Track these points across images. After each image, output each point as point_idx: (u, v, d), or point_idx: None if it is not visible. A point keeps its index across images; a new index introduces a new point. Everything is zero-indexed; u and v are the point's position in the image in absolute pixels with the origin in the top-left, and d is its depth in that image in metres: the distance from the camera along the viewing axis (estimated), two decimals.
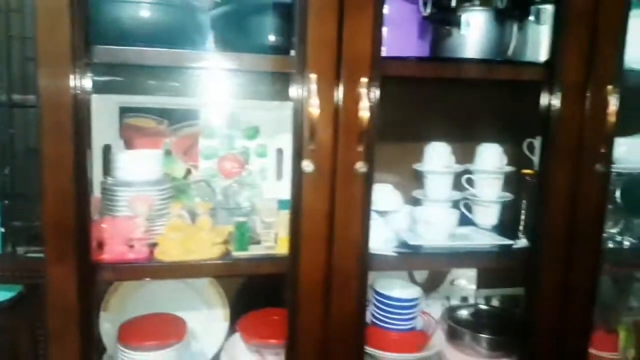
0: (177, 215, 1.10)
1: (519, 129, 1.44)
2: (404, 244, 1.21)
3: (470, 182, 1.44)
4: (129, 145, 1.32)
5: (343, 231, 1.06)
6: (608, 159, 1.15)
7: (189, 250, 1.08)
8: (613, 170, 1.41)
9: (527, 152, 1.41)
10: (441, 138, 1.42)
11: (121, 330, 1.21)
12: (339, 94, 1.01)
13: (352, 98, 1.01)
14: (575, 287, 1.19)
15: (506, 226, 1.41)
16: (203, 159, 1.34)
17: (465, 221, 1.43)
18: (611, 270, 1.40)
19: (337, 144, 1.03)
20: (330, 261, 1.06)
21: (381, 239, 1.20)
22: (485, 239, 1.28)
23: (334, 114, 1.01)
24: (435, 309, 1.52)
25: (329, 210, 1.04)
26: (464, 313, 1.45)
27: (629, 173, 1.40)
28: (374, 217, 1.30)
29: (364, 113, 1.00)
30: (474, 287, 1.55)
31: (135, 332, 1.21)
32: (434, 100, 1.47)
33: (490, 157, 1.41)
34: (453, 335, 1.38)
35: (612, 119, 1.11)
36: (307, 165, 1.01)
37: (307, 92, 0.99)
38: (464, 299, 1.55)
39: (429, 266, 1.22)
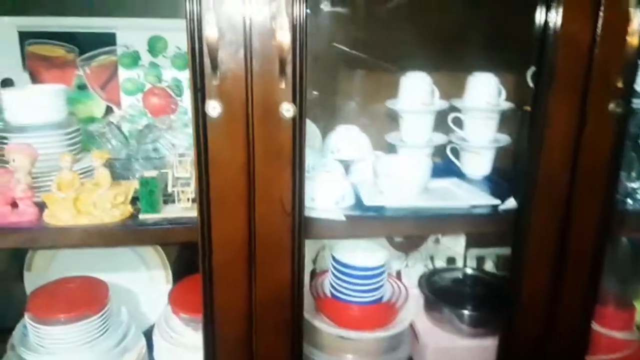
0: (67, 169, 0.89)
1: (522, 54, 1.14)
2: (360, 204, 0.97)
3: (457, 122, 1.17)
4: (35, 78, 1.10)
5: (266, 191, 0.82)
6: (627, 95, 0.86)
7: (82, 212, 0.88)
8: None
9: (531, 84, 1.12)
10: (421, 67, 1.14)
11: (31, 299, 1.04)
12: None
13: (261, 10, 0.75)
14: (574, 257, 0.94)
15: (503, 177, 1.15)
16: (125, 94, 1.11)
17: (452, 171, 1.18)
18: (627, 234, 1.15)
19: (251, 77, 0.77)
20: (251, 227, 0.84)
21: (332, 197, 0.97)
22: (465, 196, 1.02)
23: (242, 33, 0.75)
24: (416, 271, 1.30)
25: (246, 165, 0.80)
26: (445, 279, 1.22)
27: None
28: (334, 167, 1.07)
29: (283, 36, 0.73)
30: (462, 246, 1.31)
31: (47, 300, 1.04)
32: (412, 18, 1.17)
33: (483, 90, 1.13)
34: (429, 307, 1.16)
35: (634, 40, 0.81)
36: (213, 108, 0.77)
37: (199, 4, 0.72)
38: (451, 260, 1.32)
39: (388, 232, 0.99)
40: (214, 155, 0.79)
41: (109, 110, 1.13)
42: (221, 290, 0.86)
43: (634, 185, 1.07)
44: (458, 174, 1.18)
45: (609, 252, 1.15)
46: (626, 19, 0.81)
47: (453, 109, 1.16)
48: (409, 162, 1.02)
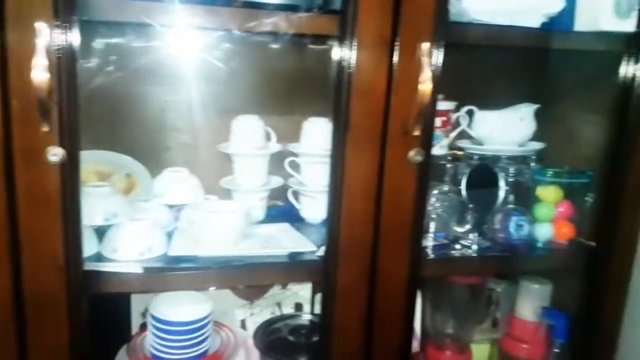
0: None
1: None
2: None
3: (295, 166, 1.14)
4: None
5: (34, 244, 0.75)
6: (427, 143, 0.86)
7: None
8: (473, 151, 1.16)
9: None
10: (257, 110, 1.12)
11: None
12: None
13: (21, 47, 0.69)
14: (384, 308, 0.92)
15: None
16: None
17: (293, 215, 1.15)
18: (457, 277, 1.15)
19: (9, 120, 0.71)
20: (18, 285, 0.76)
21: (137, 248, 0.90)
22: (287, 243, 0.99)
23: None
24: (263, 319, 1.23)
25: (7, 215, 0.73)
26: (286, 327, 1.17)
27: (487, 156, 1.12)
28: (158, 213, 1.01)
29: (40, 75, 0.68)
30: (309, 291, 1.27)
31: None
32: (249, 61, 1.15)
33: (318, 135, 1.11)
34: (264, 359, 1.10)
35: (425, 89, 0.81)
36: None
37: None
38: (299, 306, 1.27)
39: (196, 284, 0.92)
40: None
41: None
42: None
43: (462, 229, 1.07)
44: (298, 217, 1.15)
45: (445, 297, 1.15)
46: (419, 68, 0.81)
47: (290, 152, 1.13)
48: (222, 209, 0.97)
